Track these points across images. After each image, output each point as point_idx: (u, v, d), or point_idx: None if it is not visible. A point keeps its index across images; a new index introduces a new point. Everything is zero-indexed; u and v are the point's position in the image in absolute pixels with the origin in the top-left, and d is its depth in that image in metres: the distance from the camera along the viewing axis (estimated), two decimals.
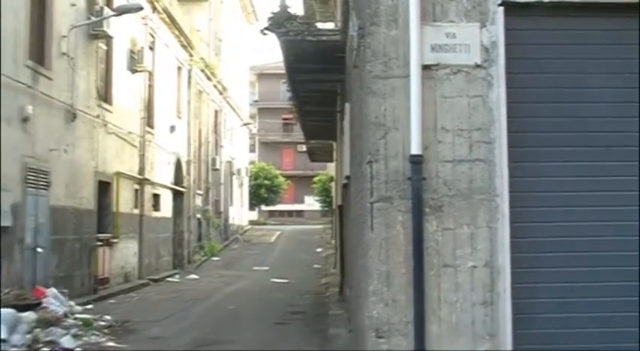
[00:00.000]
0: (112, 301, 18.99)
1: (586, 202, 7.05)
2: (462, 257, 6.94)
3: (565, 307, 6.96)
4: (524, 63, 7.11)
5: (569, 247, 7.02)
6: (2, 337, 11.54)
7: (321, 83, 16.72)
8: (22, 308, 12.88)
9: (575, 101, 7.13)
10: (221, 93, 39.83)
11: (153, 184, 26.04)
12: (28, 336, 11.95)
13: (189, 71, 31.88)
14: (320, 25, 14.52)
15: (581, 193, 7.06)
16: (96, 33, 19.57)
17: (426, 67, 6.99)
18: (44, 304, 13.95)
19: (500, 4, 7.07)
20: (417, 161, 6.89)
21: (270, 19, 13.67)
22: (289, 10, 13.89)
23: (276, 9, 13.78)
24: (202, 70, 34.20)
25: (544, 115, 7.10)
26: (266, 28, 13.71)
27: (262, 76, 71.17)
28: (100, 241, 20.25)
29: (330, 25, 14.84)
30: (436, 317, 6.89)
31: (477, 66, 7.04)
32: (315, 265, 30.93)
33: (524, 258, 6.97)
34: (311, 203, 67.94)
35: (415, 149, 6.90)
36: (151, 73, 25.66)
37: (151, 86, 25.95)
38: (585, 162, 7.09)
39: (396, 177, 6.97)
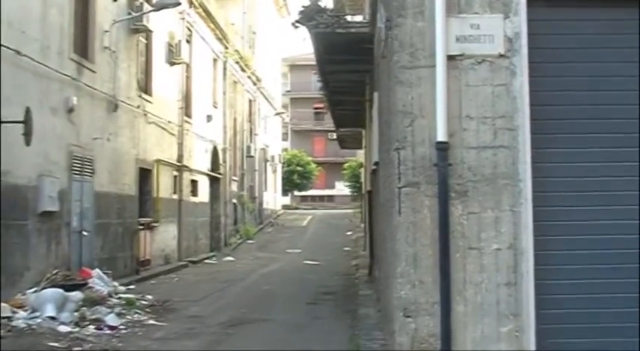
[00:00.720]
0: (152, 281, 19.13)
1: (607, 186, 6.99)
2: (486, 240, 6.91)
3: (586, 288, 6.92)
4: (547, 52, 7.05)
5: (590, 230, 6.97)
6: (52, 314, 11.72)
7: (350, 73, 16.68)
8: (69, 288, 13.06)
9: (596, 89, 7.06)
10: (255, 84, 39.89)
11: (191, 170, 26.18)
12: (76, 314, 12.12)
13: (225, 63, 31.94)
14: (349, 18, 14.46)
15: (603, 178, 7.00)
16: (136, 27, 19.66)
17: (451, 58, 6.94)
18: (90, 285, 14.15)
19: None
20: (442, 148, 6.86)
21: (301, 12, 13.64)
22: (319, 3, 13.87)
23: (307, 2, 13.76)
24: (237, 62, 34.25)
25: (566, 103, 7.05)
26: (297, 21, 13.68)
27: (294, 67, 71.15)
28: (142, 224, 20.40)
29: (358, 18, 14.77)
30: (462, 298, 6.86)
31: (501, 56, 6.98)
32: (346, 248, 30.92)
33: (547, 240, 6.93)
34: (341, 188, 67.88)
35: (441, 136, 6.87)
36: (188, 65, 25.74)
37: (188, 78, 26.05)
38: (607, 148, 7.02)
39: (422, 163, 6.95)
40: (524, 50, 6.96)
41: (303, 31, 13.97)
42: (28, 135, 13.10)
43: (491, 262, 6.89)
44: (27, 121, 13.06)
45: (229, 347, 10.41)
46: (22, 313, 11.82)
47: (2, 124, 12.70)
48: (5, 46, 12.93)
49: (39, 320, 11.54)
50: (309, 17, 13.48)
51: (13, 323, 11.25)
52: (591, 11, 7.10)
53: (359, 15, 14.90)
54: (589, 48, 7.08)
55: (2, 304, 11.89)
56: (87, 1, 17.06)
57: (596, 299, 6.91)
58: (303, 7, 13.69)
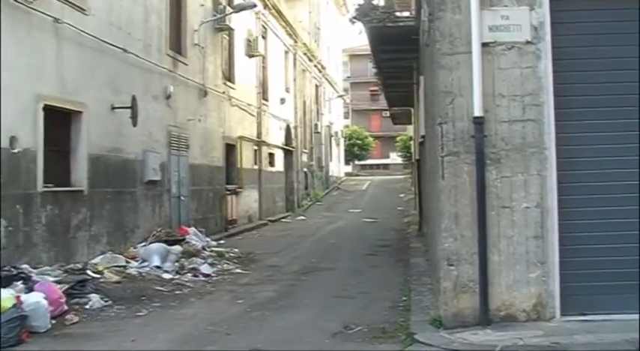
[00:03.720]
0: (238, 237, 19.31)
1: (620, 152, 6.87)
2: (517, 200, 6.86)
3: (603, 239, 6.83)
4: (568, 38, 6.92)
5: (606, 190, 6.87)
6: (157, 264, 11.96)
7: (400, 61, 16.50)
8: (171, 243, 13.31)
9: (610, 69, 6.92)
10: (320, 71, 39.79)
11: (268, 145, 26.34)
12: (176, 264, 12.31)
13: (294, 54, 31.91)
14: (398, 13, 14.25)
15: (617, 145, 6.88)
16: (220, 26, 19.76)
17: (485, 45, 6.88)
18: (187, 240, 14.39)
19: None
20: (479, 122, 6.83)
21: (357, 9, 13.53)
22: (373, 1, 13.73)
23: (362, 1, 13.64)
24: (305, 53, 34.18)
25: (585, 82, 6.94)
26: (354, 18, 13.57)
27: (353, 56, 70.40)
28: (229, 190, 20.63)
29: (406, 13, 14.53)
30: (496, 249, 6.84)
31: (528, 42, 6.89)
32: (399, 208, 30.80)
33: (569, 199, 6.85)
34: (394, 158, 67.60)
35: (477, 112, 6.84)
36: (264, 57, 25.78)
37: (264, 67, 26.12)
38: (620, 119, 6.88)
39: (462, 135, 6.92)
40: (548, 37, 6.86)
41: (360, 26, 13.88)
42: (134, 118, 13.37)
43: (521, 219, 6.85)
44: (133, 107, 13.32)
45: (302, 290, 10.52)
46: (134, 263, 12.07)
47: (115, 109, 13.00)
48: (116, 46, 13.17)
49: (147, 269, 11.77)
50: (364, 14, 13.37)
51: (128, 271, 11.51)
52: (606, 2, 6.94)
53: (406, 11, 14.65)
54: (605, 34, 6.92)
55: (118, 256, 12.25)
56: (180, 6, 17.21)
57: (611, 249, 6.82)
58: (359, 5, 13.60)
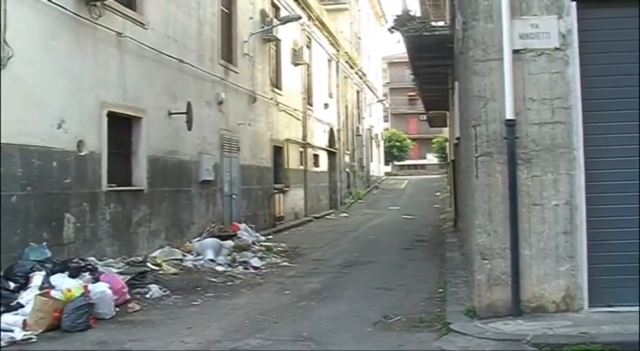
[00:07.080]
0: (285, 233, 19.40)
1: None
2: (547, 197, 6.79)
3: (629, 235, 6.70)
4: (595, 45, 6.82)
5: (632, 188, 6.72)
6: (211, 257, 12.10)
7: (435, 67, 16.42)
8: (223, 238, 13.45)
9: (635, 73, 6.77)
10: (361, 78, 39.73)
11: (313, 147, 26.41)
12: (228, 257, 12.45)
13: (337, 63, 31.93)
14: (433, 23, 14.21)
15: None
16: (268, 37, 19.90)
17: (515, 52, 6.82)
18: (238, 235, 14.54)
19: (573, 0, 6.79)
20: (510, 124, 6.77)
21: (395, 20, 13.52)
22: (410, 13, 13.70)
23: (400, 12, 13.61)
24: (347, 62, 34.18)
25: (611, 86, 6.81)
26: (392, 28, 13.57)
27: (392, 63, 70.23)
28: (276, 189, 20.73)
29: (441, 23, 14.48)
30: (527, 244, 6.78)
31: (556, 49, 6.80)
32: (435, 205, 30.56)
33: (597, 197, 6.75)
34: (431, 158, 67.20)
35: (509, 115, 6.78)
36: (308, 65, 25.84)
37: (309, 75, 26.19)
38: None
39: (494, 137, 6.87)
40: (576, 44, 6.78)
41: (398, 35, 13.87)
42: (189, 122, 13.54)
43: (551, 216, 6.78)
44: (188, 112, 13.50)
45: (345, 282, 10.53)
46: (189, 256, 12.22)
47: (171, 115, 13.19)
48: (172, 57, 13.39)
49: (202, 261, 11.90)
50: (402, 24, 13.35)
51: (184, 263, 11.64)
52: (630, 10, 6.80)
53: (441, 20, 14.60)
54: (630, 40, 6.79)
55: (175, 250, 12.42)
56: (230, 19, 17.39)
57: (636, 244, 6.66)
58: (397, 16, 13.57)
